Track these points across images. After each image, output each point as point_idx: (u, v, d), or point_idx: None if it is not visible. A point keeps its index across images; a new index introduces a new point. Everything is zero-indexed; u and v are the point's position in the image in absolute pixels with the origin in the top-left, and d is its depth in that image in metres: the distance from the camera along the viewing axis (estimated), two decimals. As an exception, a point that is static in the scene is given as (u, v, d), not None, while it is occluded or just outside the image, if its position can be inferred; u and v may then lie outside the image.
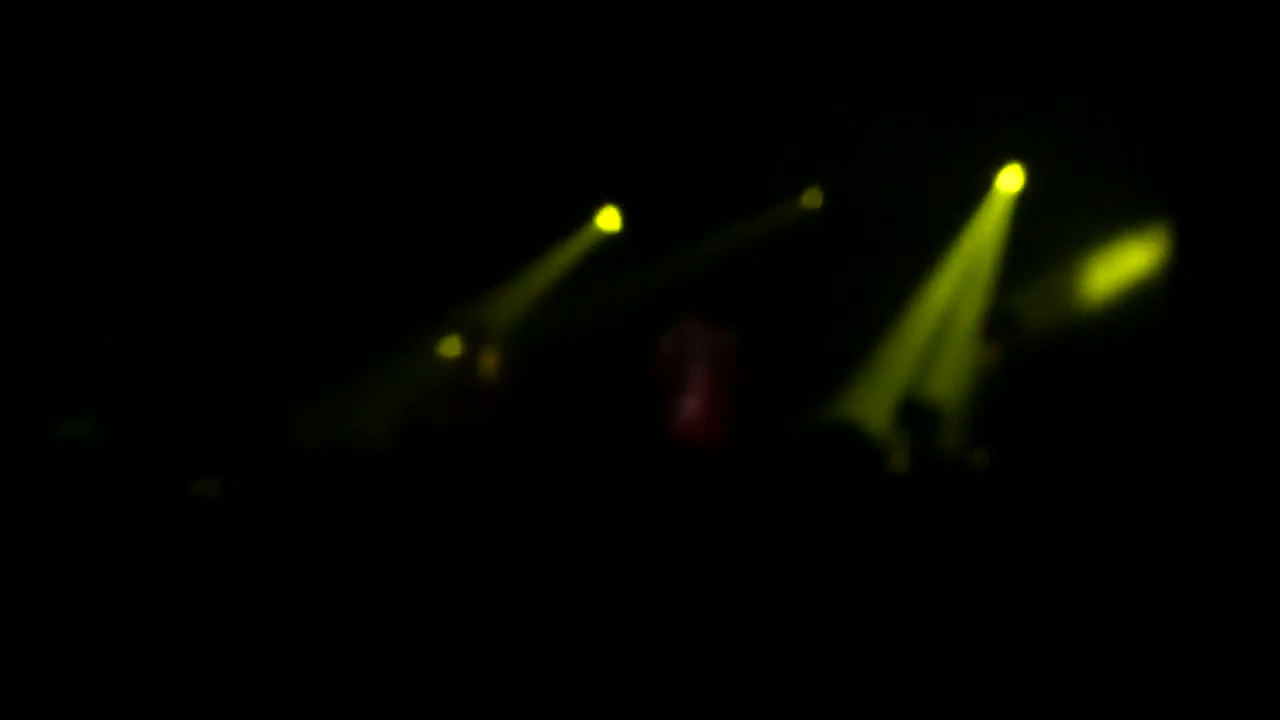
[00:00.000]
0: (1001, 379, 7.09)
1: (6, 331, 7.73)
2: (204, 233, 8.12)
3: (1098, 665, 3.77)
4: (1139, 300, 8.02)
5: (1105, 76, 7.49)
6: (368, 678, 3.81)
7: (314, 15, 7.52)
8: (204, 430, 7.32)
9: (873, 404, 8.01)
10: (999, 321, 7.24)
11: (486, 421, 7.47)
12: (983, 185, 8.44)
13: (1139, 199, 7.88)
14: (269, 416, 7.99)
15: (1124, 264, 8.16)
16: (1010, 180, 8.40)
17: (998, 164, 8.35)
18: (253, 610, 3.95)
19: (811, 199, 8.63)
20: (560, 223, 8.74)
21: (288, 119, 8.02)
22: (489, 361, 7.63)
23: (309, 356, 8.37)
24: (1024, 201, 8.35)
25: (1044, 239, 8.23)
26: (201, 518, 4.39)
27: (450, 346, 7.76)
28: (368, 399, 8.33)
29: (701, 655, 3.82)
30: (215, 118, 7.91)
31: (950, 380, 8.02)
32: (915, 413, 6.35)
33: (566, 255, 8.81)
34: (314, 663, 3.82)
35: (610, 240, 8.80)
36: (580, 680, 3.81)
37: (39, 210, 7.80)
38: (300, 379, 8.31)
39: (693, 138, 8.27)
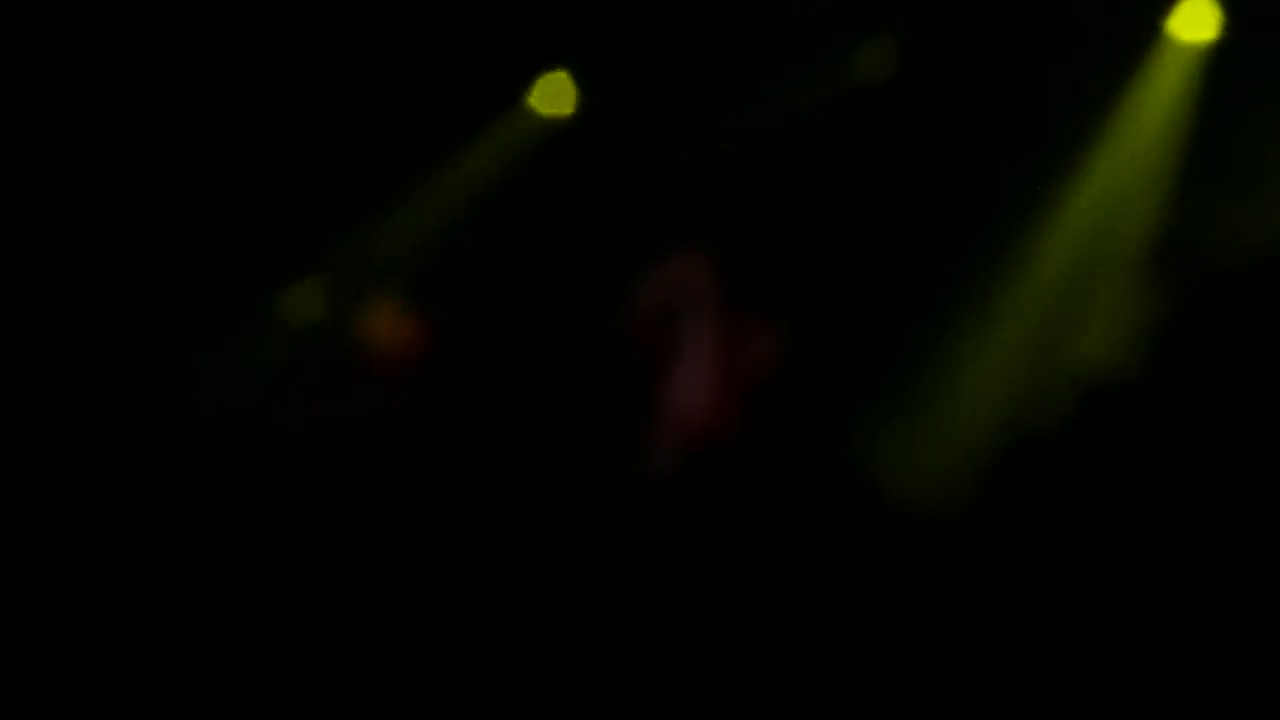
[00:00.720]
0: (1177, 337, 7.24)
1: None
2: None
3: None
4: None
5: None
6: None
7: None
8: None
9: (980, 380, 7.96)
10: (1173, 252, 7.40)
11: (372, 416, 7.71)
12: (1148, 34, 8.25)
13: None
14: (40, 405, 7.92)
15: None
16: (1194, 24, 8.17)
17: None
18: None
19: (872, 62, 8.47)
20: (481, 104, 8.59)
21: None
22: (376, 323, 7.86)
23: (103, 317, 8.24)
24: (1214, 63, 8.13)
25: (1242, 124, 8.04)
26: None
27: (314, 300, 7.94)
28: (188, 381, 8.22)
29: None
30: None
31: (1100, 340, 7.88)
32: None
33: (490, 155, 8.67)
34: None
35: (558, 130, 8.67)
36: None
37: None
38: (91, 350, 8.18)
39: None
